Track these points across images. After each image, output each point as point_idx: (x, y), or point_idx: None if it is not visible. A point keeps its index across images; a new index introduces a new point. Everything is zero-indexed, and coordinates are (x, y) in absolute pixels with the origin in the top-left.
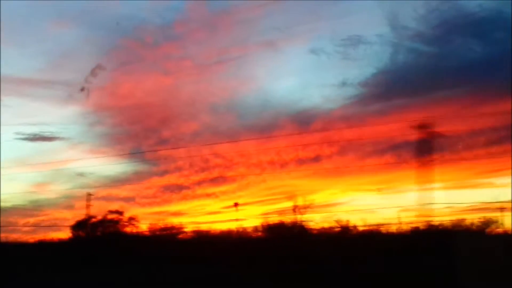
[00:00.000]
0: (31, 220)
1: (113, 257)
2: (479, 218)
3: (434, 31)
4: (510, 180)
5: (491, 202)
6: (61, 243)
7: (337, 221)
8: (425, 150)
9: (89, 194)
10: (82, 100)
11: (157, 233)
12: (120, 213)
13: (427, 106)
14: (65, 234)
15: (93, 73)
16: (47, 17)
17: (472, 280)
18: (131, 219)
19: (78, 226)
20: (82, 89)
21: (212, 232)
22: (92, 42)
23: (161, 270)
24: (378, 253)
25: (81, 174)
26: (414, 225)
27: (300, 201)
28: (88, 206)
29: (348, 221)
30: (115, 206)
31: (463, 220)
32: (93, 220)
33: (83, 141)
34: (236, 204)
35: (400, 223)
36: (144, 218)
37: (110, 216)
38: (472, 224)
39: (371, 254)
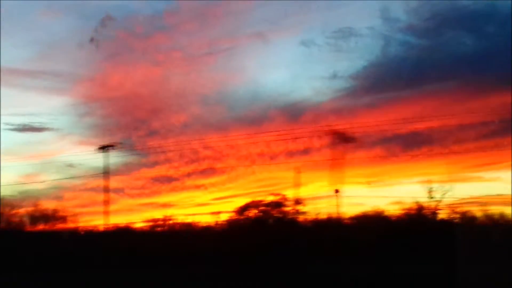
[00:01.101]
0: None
1: None
2: (469, 211)
3: (425, 23)
4: (499, 174)
5: (481, 195)
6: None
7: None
8: (415, 143)
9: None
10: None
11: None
12: (283, 196)
13: (418, 99)
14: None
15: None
16: (37, 6)
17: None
18: (298, 202)
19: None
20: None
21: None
22: (82, 32)
23: None
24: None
25: (70, 165)
26: (404, 218)
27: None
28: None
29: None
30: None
31: (453, 213)
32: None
33: (73, 132)
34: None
35: (390, 216)
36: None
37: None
38: (463, 217)
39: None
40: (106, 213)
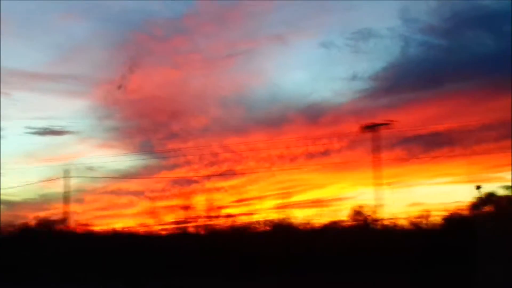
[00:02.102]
0: (42, 213)
1: None
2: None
3: (445, 24)
4: None
5: (502, 195)
6: None
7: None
8: (436, 144)
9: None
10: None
11: None
12: None
13: (438, 100)
14: None
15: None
16: (56, 10)
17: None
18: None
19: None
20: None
21: None
22: (101, 35)
23: None
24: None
25: (90, 168)
26: (424, 220)
27: None
28: None
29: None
30: (124, 200)
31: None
32: None
33: (93, 135)
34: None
35: (411, 218)
36: None
37: None
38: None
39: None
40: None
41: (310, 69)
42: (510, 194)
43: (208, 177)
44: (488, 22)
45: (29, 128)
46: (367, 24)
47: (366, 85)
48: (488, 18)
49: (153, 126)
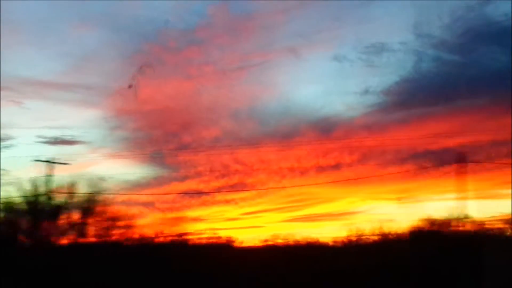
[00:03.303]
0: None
1: None
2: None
3: (458, 39)
4: None
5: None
6: None
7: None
8: (446, 159)
9: None
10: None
11: None
12: None
13: (450, 115)
14: None
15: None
16: (69, 19)
17: None
18: None
19: None
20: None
21: None
22: (115, 46)
23: None
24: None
25: (101, 178)
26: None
27: None
28: None
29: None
30: (134, 210)
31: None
32: None
33: (104, 145)
34: None
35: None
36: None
37: None
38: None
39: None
40: None
41: (323, 82)
42: None
43: (219, 189)
44: (501, 38)
45: (41, 137)
46: (380, 38)
47: (378, 100)
48: (501, 34)
49: (164, 136)
